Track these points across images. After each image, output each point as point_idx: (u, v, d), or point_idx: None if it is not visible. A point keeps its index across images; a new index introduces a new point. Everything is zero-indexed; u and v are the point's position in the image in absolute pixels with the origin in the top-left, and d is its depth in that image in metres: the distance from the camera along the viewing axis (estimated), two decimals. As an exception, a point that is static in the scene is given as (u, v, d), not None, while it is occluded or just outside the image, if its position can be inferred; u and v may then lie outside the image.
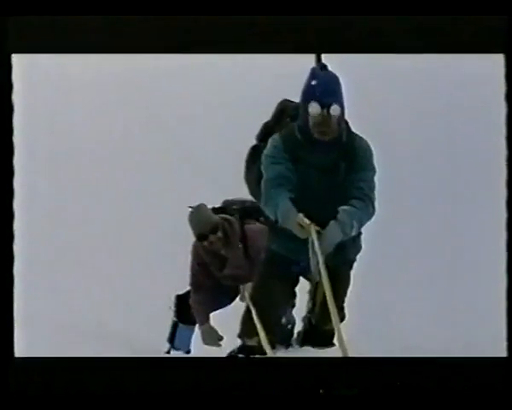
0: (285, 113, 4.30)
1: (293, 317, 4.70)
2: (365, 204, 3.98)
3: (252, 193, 4.32)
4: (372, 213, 4.04)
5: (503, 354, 3.79)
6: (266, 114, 4.40)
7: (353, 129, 4.12)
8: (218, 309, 4.87)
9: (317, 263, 3.88)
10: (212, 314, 4.87)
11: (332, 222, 3.89)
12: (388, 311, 5.26)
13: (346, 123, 4.09)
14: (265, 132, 4.31)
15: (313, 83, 3.95)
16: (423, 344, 4.34)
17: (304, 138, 3.99)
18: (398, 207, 6.23)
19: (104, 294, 6.09)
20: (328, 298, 3.81)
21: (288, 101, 4.35)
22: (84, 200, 6.97)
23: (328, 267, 3.86)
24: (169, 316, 5.11)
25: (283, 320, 4.40)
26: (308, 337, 4.46)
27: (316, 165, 4.00)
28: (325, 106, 3.89)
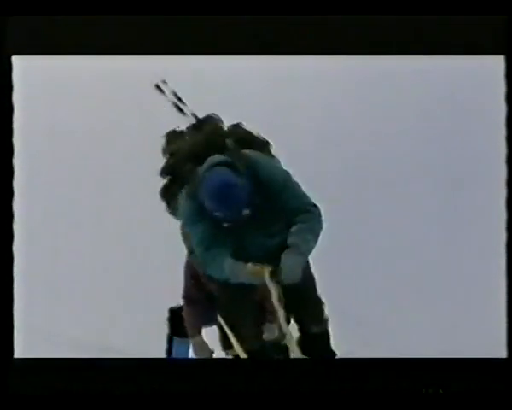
0: (180, 155, 4.00)
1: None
2: (307, 213, 3.82)
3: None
4: (319, 214, 3.85)
5: (503, 354, 3.79)
6: (266, 115, 4.38)
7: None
8: (209, 324, 4.85)
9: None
10: (204, 329, 4.86)
11: (282, 255, 3.75)
12: (387, 311, 5.26)
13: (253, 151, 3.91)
14: (167, 168, 4.08)
15: (216, 209, 3.70)
16: (423, 345, 4.34)
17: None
18: (396, 208, 6.24)
19: (104, 294, 6.09)
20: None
21: (178, 138, 4.14)
22: (84, 200, 6.97)
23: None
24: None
25: (265, 334, 4.39)
26: (304, 348, 4.39)
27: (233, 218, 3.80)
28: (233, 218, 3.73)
